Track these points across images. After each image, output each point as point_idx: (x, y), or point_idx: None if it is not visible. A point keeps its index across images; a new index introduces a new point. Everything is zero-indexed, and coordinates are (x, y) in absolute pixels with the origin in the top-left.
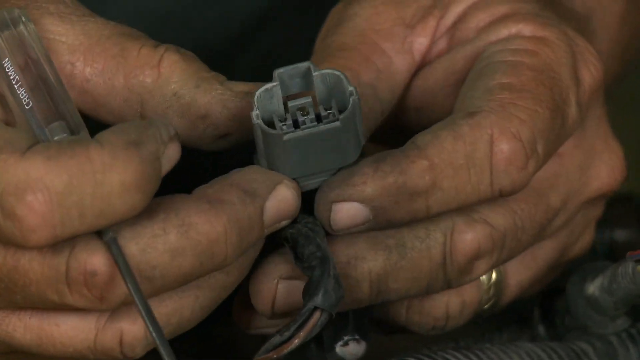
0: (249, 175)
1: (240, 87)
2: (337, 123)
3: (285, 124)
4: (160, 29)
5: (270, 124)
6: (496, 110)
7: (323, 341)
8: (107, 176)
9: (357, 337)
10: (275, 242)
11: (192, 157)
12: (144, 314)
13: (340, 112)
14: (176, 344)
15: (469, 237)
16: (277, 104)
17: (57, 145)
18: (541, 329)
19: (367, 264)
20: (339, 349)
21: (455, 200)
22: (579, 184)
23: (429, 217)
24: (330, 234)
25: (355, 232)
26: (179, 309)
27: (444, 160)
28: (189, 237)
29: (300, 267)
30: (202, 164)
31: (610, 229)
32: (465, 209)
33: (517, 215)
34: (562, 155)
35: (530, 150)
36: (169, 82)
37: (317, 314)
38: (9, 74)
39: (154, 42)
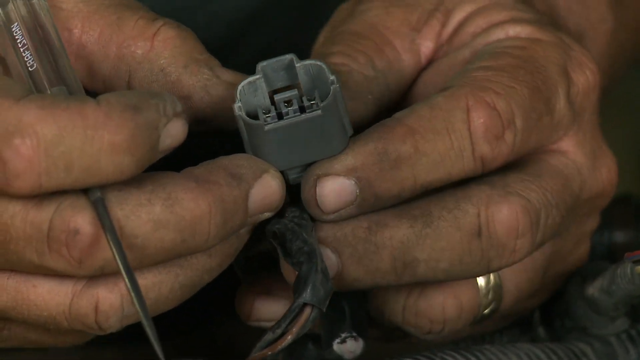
0: (237, 161)
1: (229, 76)
2: (318, 111)
3: (269, 116)
4: None
5: (255, 117)
6: (470, 84)
7: (321, 339)
8: (97, 133)
9: (354, 334)
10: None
11: (193, 153)
12: (125, 274)
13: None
14: (172, 342)
15: (505, 208)
16: (262, 97)
17: (53, 97)
18: (541, 331)
19: (389, 231)
20: (336, 346)
21: (441, 168)
22: (584, 180)
23: (417, 190)
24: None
25: (345, 215)
26: (157, 284)
27: (423, 126)
28: (174, 211)
29: (290, 263)
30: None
31: (609, 231)
32: (497, 183)
33: (548, 193)
34: (566, 152)
35: (507, 121)
36: (159, 57)
37: (307, 310)
38: (17, 37)
39: (154, 14)
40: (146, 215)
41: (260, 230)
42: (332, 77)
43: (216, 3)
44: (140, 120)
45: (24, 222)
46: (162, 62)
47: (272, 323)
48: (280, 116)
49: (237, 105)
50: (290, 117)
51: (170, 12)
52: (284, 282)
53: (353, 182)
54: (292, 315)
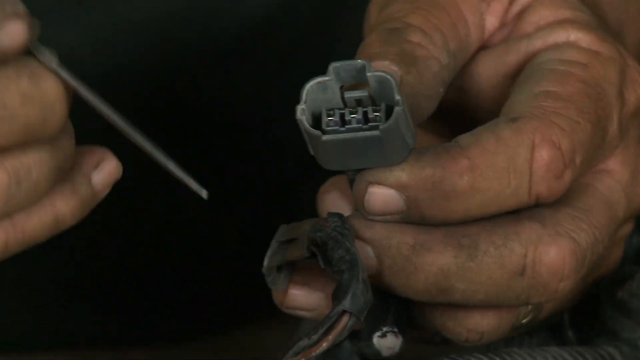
0: None
1: None
2: (377, 132)
3: (332, 119)
4: (175, 26)
5: (318, 116)
6: (539, 117)
7: (358, 335)
8: None
9: (396, 330)
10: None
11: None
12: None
13: (389, 115)
14: (201, 351)
15: (553, 251)
16: (332, 95)
17: None
18: (571, 334)
19: (432, 256)
20: (376, 339)
21: (494, 204)
22: (629, 203)
23: (465, 220)
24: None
25: (389, 220)
26: (38, 162)
27: (485, 162)
28: (39, 87)
29: (330, 271)
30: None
31: (638, 234)
32: (548, 221)
33: (597, 230)
34: (612, 172)
35: (569, 160)
36: None
37: (345, 318)
38: None
39: None
40: (15, 88)
41: (285, 241)
42: (398, 97)
43: (242, 3)
44: None
45: None
46: None
47: (304, 313)
48: (343, 120)
49: (300, 107)
50: (349, 130)
51: (194, 10)
52: (320, 274)
53: (402, 200)
54: (330, 322)
